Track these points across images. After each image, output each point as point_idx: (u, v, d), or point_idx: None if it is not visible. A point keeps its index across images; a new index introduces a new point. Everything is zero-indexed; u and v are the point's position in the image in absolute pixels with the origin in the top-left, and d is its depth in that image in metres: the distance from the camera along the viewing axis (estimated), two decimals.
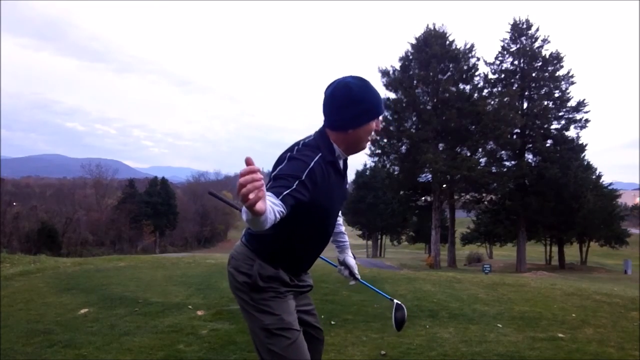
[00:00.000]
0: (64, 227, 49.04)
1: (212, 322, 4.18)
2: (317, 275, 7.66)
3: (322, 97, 1.71)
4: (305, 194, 1.50)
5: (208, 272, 7.38)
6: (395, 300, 2.14)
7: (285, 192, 1.41)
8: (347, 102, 1.64)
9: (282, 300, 1.78)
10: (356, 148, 1.74)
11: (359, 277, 2.16)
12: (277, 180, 1.47)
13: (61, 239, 47.05)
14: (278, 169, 1.54)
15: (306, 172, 1.52)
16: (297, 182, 1.47)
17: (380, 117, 1.73)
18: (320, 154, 1.62)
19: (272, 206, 1.29)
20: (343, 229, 2.15)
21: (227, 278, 1.90)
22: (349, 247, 2.16)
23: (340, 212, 2.01)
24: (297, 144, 1.69)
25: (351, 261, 2.13)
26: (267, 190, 1.38)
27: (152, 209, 59.30)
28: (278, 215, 1.33)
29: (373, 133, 1.72)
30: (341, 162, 1.77)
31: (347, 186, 1.90)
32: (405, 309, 2.12)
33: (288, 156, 1.59)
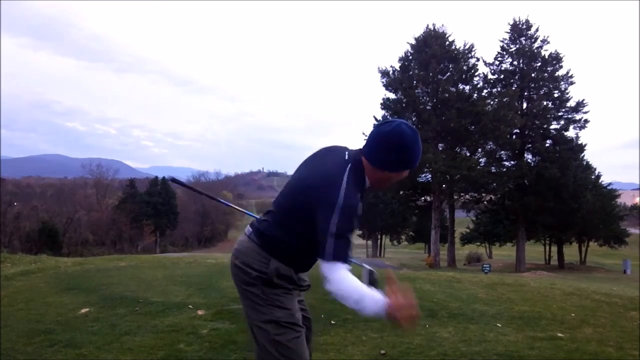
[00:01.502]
0: (65, 227, 49.04)
1: (212, 321, 4.19)
2: (317, 275, 7.64)
3: (373, 131, 1.79)
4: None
5: (208, 272, 7.39)
6: (367, 267, 2.14)
7: (348, 254, 1.64)
8: (396, 146, 1.71)
9: (291, 297, 1.85)
10: (381, 186, 1.85)
11: None
12: (340, 238, 1.60)
13: (62, 238, 47.04)
14: (335, 221, 1.60)
15: (355, 222, 1.67)
16: (351, 235, 1.67)
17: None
18: (359, 194, 1.72)
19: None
20: None
21: (232, 272, 1.88)
22: None
23: None
24: (342, 181, 1.67)
25: None
26: (334, 249, 1.60)
27: (153, 209, 59.32)
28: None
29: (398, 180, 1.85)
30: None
31: None
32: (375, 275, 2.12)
33: (340, 204, 1.62)
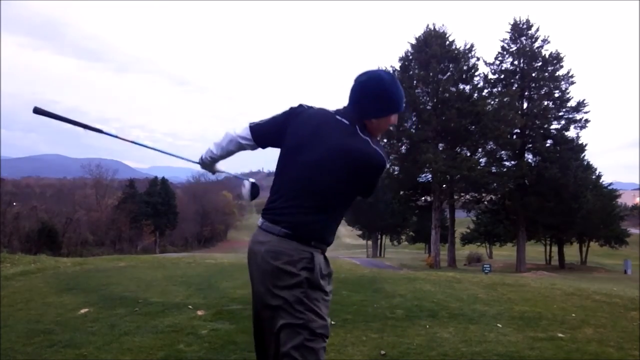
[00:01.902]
0: (64, 227, 49.04)
1: (212, 322, 4.18)
2: None
3: (353, 85, 1.85)
4: None
5: (208, 272, 7.39)
6: (250, 180, 2.33)
7: None
8: (377, 93, 1.78)
9: (327, 304, 1.82)
10: (373, 134, 1.87)
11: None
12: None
13: (61, 239, 47.05)
14: (374, 187, 1.92)
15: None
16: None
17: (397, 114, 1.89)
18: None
19: None
20: None
21: (269, 274, 1.77)
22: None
23: None
24: (379, 153, 1.83)
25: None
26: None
27: (152, 209, 59.34)
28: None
29: (390, 126, 1.90)
30: None
31: None
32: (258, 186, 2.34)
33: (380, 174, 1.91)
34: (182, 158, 2.36)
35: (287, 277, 1.73)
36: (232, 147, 2.04)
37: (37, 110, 1.90)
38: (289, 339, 1.71)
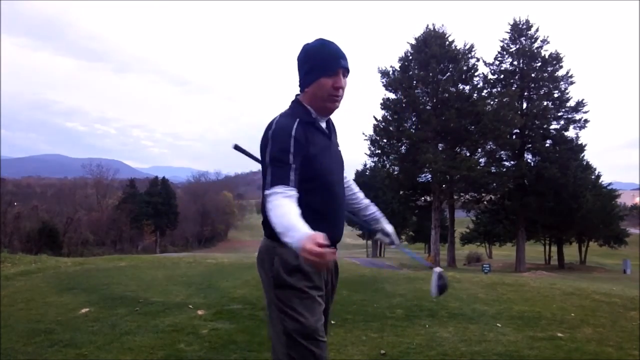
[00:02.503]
0: (65, 227, 49.03)
1: (212, 321, 4.20)
2: None
3: None
4: (300, 162, 1.62)
5: (208, 272, 7.41)
6: (436, 269, 2.08)
7: (290, 176, 1.57)
8: (301, 61, 1.74)
9: (309, 302, 1.65)
10: (321, 107, 1.74)
11: (398, 242, 2.16)
12: (275, 164, 1.60)
13: (62, 238, 47.05)
14: (268, 151, 1.63)
15: (292, 143, 1.60)
16: (291, 157, 1.60)
17: (341, 74, 1.71)
18: (297, 119, 1.67)
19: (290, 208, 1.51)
20: (363, 197, 2.13)
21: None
22: (382, 215, 2.12)
23: (345, 177, 2.00)
24: (274, 118, 1.73)
25: (390, 228, 2.10)
26: (271, 176, 1.59)
27: (153, 209, 59.33)
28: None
29: (334, 90, 1.70)
30: (323, 124, 1.79)
31: (339, 148, 1.93)
32: (446, 278, 2.08)
33: (270, 134, 1.65)
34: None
35: (263, 280, 1.75)
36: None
37: (237, 148, 2.08)
38: (277, 347, 1.66)
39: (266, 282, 1.72)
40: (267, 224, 1.68)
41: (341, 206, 1.82)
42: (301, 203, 1.57)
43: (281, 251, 1.65)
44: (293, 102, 1.77)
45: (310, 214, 1.57)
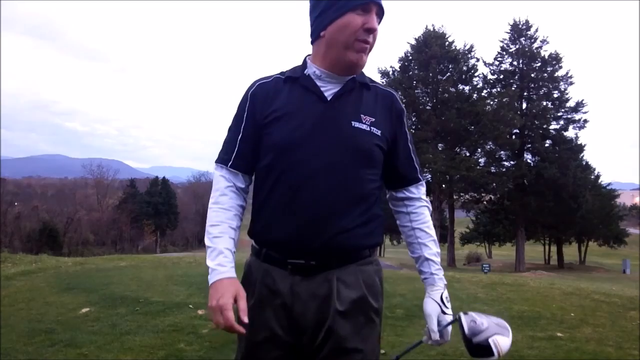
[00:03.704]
0: (65, 227, 49.02)
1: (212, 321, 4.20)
2: None
3: None
4: (259, 131, 1.24)
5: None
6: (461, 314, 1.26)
7: (234, 151, 1.25)
8: (314, 2, 1.25)
9: (260, 311, 1.19)
10: (339, 59, 1.20)
11: (436, 335, 1.30)
12: (227, 133, 1.31)
13: (62, 238, 47.02)
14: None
15: (247, 104, 1.26)
16: (243, 123, 1.26)
17: (369, 11, 1.18)
18: (275, 76, 1.28)
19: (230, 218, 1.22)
20: (429, 242, 1.41)
21: None
22: (436, 280, 1.36)
23: (413, 195, 1.38)
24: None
25: (430, 307, 1.31)
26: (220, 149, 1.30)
27: (153, 209, 59.29)
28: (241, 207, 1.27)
29: (364, 32, 1.17)
30: (332, 85, 1.23)
31: (369, 126, 1.23)
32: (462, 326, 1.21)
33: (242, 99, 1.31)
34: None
35: None
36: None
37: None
38: None
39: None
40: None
41: (332, 202, 1.18)
42: (259, 189, 1.26)
43: (250, 260, 1.30)
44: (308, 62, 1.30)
45: (267, 207, 1.22)
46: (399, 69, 32.79)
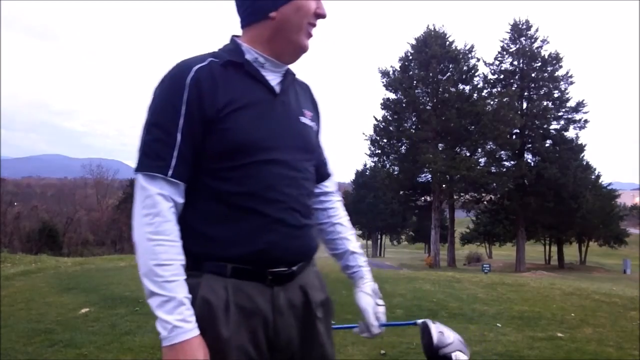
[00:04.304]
0: (65, 227, 48.99)
1: None
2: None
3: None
4: (202, 129, 1.01)
5: None
6: (418, 322, 1.29)
7: (173, 157, 0.98)
8: None
9: (237, 337, 1.00)
10: (290, 44, 1.10)
11: (375, 329, 1.23)
12: (150, 134, 1.00)
13: (62, 238, 46.99)
14: (147, 113, 1.03)
15: (185, 96, 1.00)
16: (180, 122, 0.99)
17: None
18: (210, 59, 1.06)
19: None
20: (347, 234, 1.31)
21: None
22: (365, 273, 1.36)
23: (327, 189, 1.29)
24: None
25: (364, 301, 1.28)
26: (141, 155, 1.00)
27: None
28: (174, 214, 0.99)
29: (313, 17, 1.10)
30: (273, 75, 1.11)
31: (310, 122, 1.18)
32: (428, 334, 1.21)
33: (157, 86, 1.05)
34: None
35: None
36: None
37: None
38: None
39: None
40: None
41: (299, 203, 1.10)
42: (210, 196, 1.03)
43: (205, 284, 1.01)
44: (225, 45, 1.14)
45: (234, 216, 1.03)
46: (399, 69, 32.80)
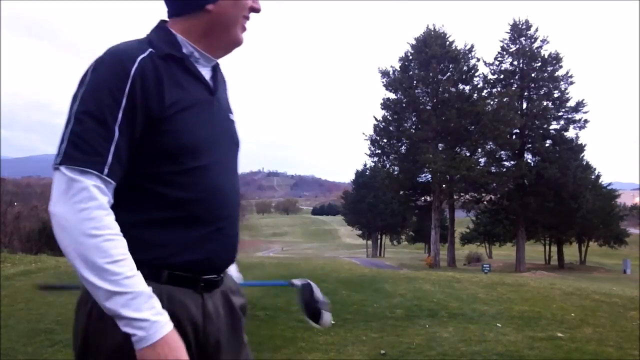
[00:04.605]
0: None
1: None
2: (317, 275, 7.67)
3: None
4: (144, 127, 0.92)
5: None
6: (296, 282, 1.29)
7: (109, 153, 0.88)
8: None
9: None
10: (226, 38, 1.06)
11: (239, 280, 1.25)
12: (81, 125, 0.88)
13: None
14: (77, 100, 0.91)
15: (127, 89, 0.90)
16: (119, 116, 0.89)
17: None
18: (150, 50, 0.97)
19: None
20: None
21: None
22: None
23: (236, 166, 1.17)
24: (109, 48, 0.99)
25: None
26: (68, 146, 0.87)
27: None
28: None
29: (248, 11, 1.07)
30: (206, 70, 1.07)
31: (234, 117, 1.15)
32: (308, 290, 1.26)
33: (89, 72, 0.94)
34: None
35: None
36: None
37: (42, 288, 1.22)
38: None
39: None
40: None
41: (236, 208, 1.09)
42: (152, 201, 0.95)
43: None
44: (154, 29, 1.06)
45: (176, 223, 0.97)
46: (399, 69, 32.81)
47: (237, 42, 1.08)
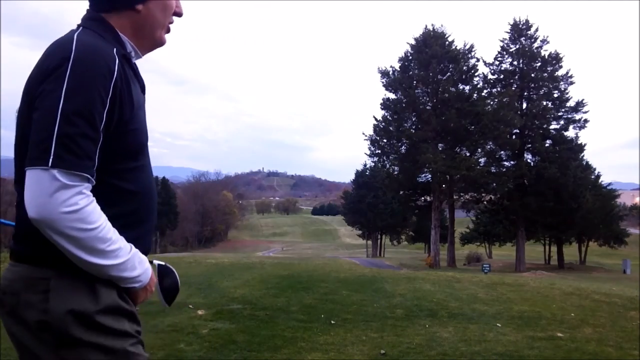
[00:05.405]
0: None
1: (212, 321, 4.20)
2: (317, 275, 7.68)
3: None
4: (116, 128, 0.94)
5: (208, 272, 7.40)
6: (156, 262, 1.21)
7: (95, 156, 0.90)
8: None
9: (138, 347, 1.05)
10: (151, 39, 1.09)
11: None
12: (73, 128, 0.86)
13: None
14: (60, 97, 0.87)
15: (111, 89, 0.91)
16: (104, 118, 0.90)
17: None
18: (114, 48, 0.97)
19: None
20: None
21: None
22: None
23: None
24: (69, 36, 0.98)
25: None
26: (59, 149, 0.86)
27: None
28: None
29: (171, 16, 1.11)
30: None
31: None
32: (175, 274, 1.22)
33: (70, 65, 0.89)
34: None
35: (19, 339, 1.00)
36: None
37: None
38: None
39: (33, 343, 0.95)
40: (31, 239, 0.99)
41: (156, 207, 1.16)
42: (115, 197, 0.98)
43: (64, 284, 0.94)
44: (95, 21, 1.03)
45: (127, 217, 1.01)
46: (399, 69, 32.79)
47: (160, 43, 1.13)
